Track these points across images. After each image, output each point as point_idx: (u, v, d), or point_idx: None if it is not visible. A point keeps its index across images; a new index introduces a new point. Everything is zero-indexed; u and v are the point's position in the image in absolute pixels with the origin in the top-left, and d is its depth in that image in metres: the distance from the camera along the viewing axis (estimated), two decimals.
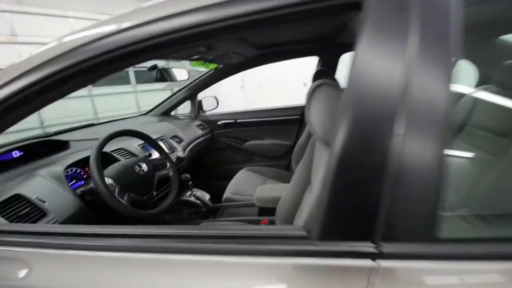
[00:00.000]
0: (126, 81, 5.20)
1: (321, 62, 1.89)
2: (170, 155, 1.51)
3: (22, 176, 0.96)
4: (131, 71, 5.19)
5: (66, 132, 1.46)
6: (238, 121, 2.15)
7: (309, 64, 1.98)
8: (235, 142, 2.19)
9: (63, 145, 1.25)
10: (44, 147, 1.19)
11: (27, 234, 0.55)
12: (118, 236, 0.51)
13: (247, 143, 2.16)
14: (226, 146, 2.24)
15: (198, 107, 2.24)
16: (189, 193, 1.49)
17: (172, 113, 2.28)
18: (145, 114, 2.20)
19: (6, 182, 0.92)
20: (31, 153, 1.14)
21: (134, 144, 1.38)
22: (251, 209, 1.49)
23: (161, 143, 1.53)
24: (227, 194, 1.62)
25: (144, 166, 1.02)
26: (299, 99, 1.76)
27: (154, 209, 0.99)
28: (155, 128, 1.74)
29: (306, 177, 1.03)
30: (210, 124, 2.22)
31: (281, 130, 2.10)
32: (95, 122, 1.75)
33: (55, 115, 4.09)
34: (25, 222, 0.78)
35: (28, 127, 3.77)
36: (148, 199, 1.02)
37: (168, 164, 1.16)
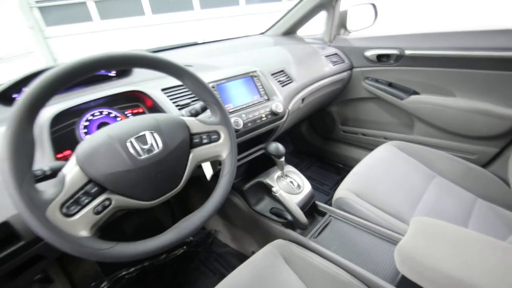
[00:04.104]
0: None
1: None
2: (261, 104, 0.89)
3: None
4: None
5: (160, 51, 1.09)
6: (406, 53, 1.14)
7: None
8: (390, 92, 1.24)
9: (123, 71, 0.88)
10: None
11: None
12: None
13: (413, 97, 1.17)
14: (370, 96, 1.34)
15: (338, 23, 1.36)
16: (277, 174, 0.88)
17: (301, 33, 1.52)
18: (263, 33, 1.57)
19: None
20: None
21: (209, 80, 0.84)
22: (377, 242, 0.73)
23: (248, 84, 0.92)
24: (343, 191, 0.90)
25: (157, 142, 0.47)
26: None
27: (166, 232, 0.48)
28: (254, 56, 1.11)
29: None
30: (351, 54, 1.33)
31: (498, 80, 0.95)
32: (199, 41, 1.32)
33: None
34: None
35: None
36: (156, 207, 0.50)
37: (222, 135, 0.56)
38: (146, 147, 0.47)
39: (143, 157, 0.46)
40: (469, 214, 0.84)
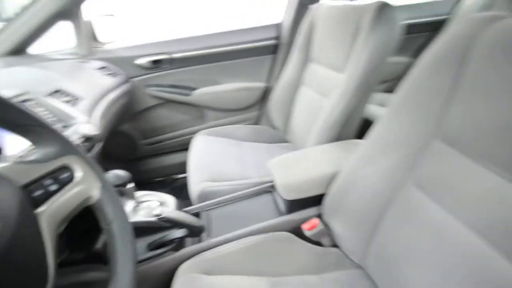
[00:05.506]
0: None
1: None
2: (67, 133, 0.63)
3: None
4: None
5: None
6: (175, 56, 1.27)
7: None
8: (176, 92, 1.35)
9: None
10: None
11: None
12: None
13: (197, 91, 1.36)
14: (159, 102, 1.37)
15: (90, 34, 1.20)
16: (130, 207, 0.70)
17: (32, 50, 1.15)
18: None
19: None
20: None
21: None
22: (252, 201, 0.86)
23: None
24: (199, 184, 0.92)
25: None
26: None
27: None
28: (4, 79, 0.74)
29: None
30: (122, 64, 1.25)
31: (243, 66, 1.38)
32: None
33: None
34: None
35: None
36: None
37: (75, 167, 0.36)
38: None
39: None
40: (271, 156, 1.19)
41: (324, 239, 0.70)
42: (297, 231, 0.71)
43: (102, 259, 0.59)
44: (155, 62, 1.26)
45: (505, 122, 0.38)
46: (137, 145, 1.44)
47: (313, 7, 1.12)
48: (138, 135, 1.43)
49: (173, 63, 1.28)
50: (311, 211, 0.73)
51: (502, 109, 0.38)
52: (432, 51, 0.50)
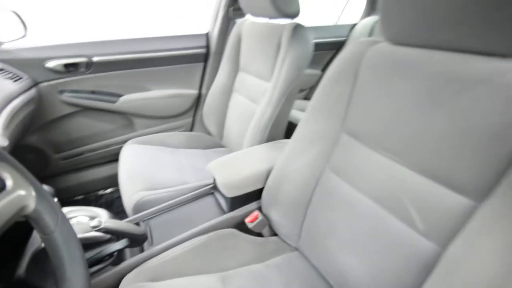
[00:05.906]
0: None
1: None
2: None
3: None
4: None
5: None
6: (94, 59, 1.17)
7: None
8: (97, 99, 1.23)
9: None
10: None
11: None
12: None
13: (124, 98, 1.28)
14: (77, 110, 1.23)
15: None
16: None
17: None
18: None
19: None
20: None
21: None
22: (195, 206, 0.87)
23: None
24: (135, 195, 0.88)
25: None
26: None
27: None
28: None
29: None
30: (26, 67, 1.08)
31: (173, 72, 1.37)
32: None
33: None
34: None
35: None
36: None
37: (5, 174, 0.32)
38: None
39: None
40: (208, 160, 1.22)
41: (264, 230, 0.77)
42: (240, 226, 0.76)
43: (27, 286, 0.52)
44: (71, 65, 1.13)
45: (385, 119, 0.52)
46: (49, 160, 1.25)
47: (239, 21, 1.22)
48: (50, 148, 1.24)
49: (92, 67, 1.18)
50: (252, 205, 0.80)
51: (381, 108, 0.53)
52: (334, 66, 0.64)
